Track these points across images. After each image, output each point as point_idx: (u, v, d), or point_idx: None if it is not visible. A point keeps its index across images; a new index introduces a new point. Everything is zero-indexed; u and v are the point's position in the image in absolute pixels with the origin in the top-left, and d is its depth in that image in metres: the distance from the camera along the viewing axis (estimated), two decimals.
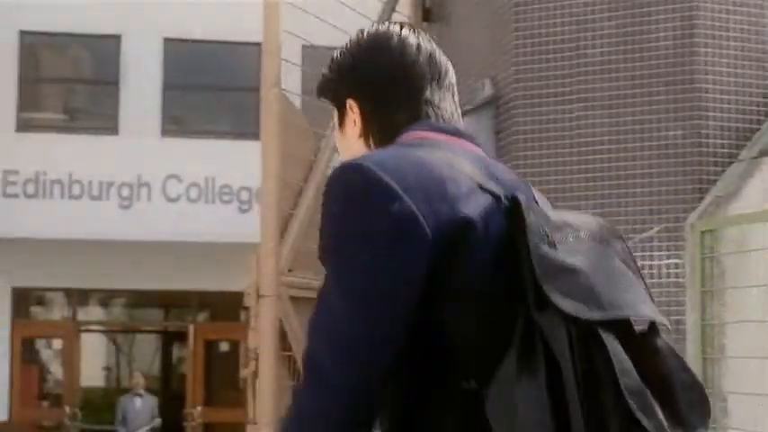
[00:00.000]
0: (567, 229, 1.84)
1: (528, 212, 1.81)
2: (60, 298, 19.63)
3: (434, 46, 2.14)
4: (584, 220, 1.89)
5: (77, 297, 18.95)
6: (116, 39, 18.71)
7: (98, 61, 19.35)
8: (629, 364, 1.72)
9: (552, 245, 1.79)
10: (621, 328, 1.77)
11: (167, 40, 18.72)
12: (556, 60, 5.44)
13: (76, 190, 16.99)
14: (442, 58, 2.13)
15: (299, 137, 4.25)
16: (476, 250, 1.82)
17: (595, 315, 1.74)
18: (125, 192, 17.01)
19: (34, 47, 19.11)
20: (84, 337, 19.72)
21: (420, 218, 1.79)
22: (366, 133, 2.11)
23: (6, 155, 17.08)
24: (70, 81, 19.84)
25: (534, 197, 1.99)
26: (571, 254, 1.80)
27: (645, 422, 1.70)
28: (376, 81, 2.11)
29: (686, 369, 1.82)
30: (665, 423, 1.72)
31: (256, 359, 4.10)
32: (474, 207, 1.84)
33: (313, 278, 4.32)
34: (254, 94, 18.75)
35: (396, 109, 2.08)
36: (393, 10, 4.97)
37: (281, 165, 4.09)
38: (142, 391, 17.04)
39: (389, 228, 1.78)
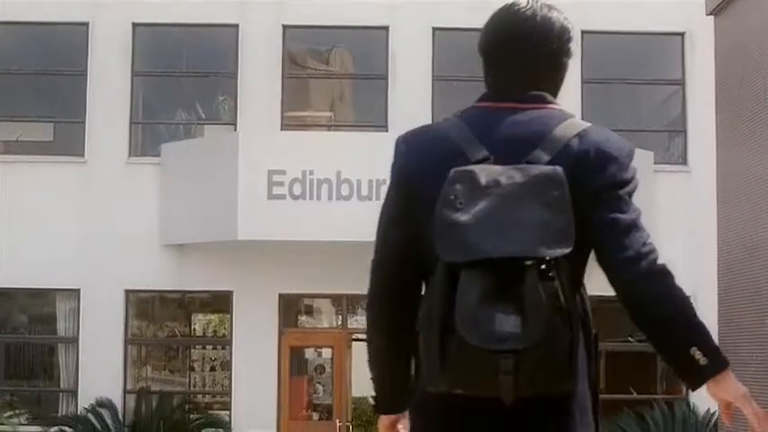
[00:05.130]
0: (489, 188, 2.63)
1: (453, 182, 2.64)
2: (329, 305, 18.77)
3: (517, 26, 2.87)
4: (515, 178, 2.64)
5: (348, 304, 18.00)
6: (384, 30, 17.78)
7: (365, 55, 18.46)
8: (472, 293, 2.54)
9: (454, 207, 2.61)
10: (495, 264, 2.56)
11: (436, 30, 17.68)
12: None
13: (345, 190, 15.95)
14: (520, 30, 2.86)
15: None
16: (437, 202, 2.66)
17: (456, 257, 2.58)
18: None
19: (297, 42, 18.35)
20: (355, 345, 18.77)
21: (407, 168, 2.83)
22: None
23: (272, 154, 16.22)
24: (336, 76, 19.05)
25: (528, 153, 2.73)
26: (468, 211, 2.60)
27: (464, 334, 2.53)
28: (480, 50, 2.95)
29: (536, 293, 2.53)
30: (502, 335, 2.51)
31: None
32: (442, 172, 2.68)
33: None
34: None
35: (486, 73, 2.93)
36: None
37: None
38: None
39: (395, 169, 2.87)
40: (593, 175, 2.71)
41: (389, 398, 2.97)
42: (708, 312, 16.89)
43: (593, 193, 2.69)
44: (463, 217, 2.59)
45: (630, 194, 2.75)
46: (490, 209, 2.60)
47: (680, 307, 2.67)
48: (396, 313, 2.86)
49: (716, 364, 2.63)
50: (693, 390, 2.71)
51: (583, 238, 2.64)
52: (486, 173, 2.65)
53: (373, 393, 3.02)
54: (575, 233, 2.60)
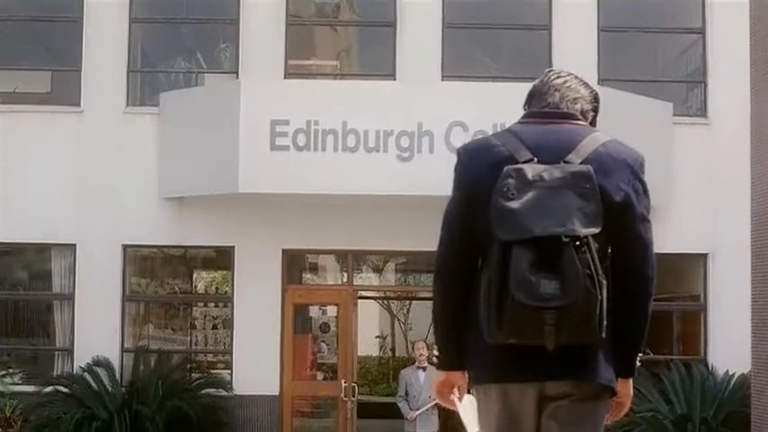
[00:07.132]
0: (535, 182, 3.47)
1: (506, 177, 3.49)
2: (334, 261, 18.17)
3: (554, 78, 3.87)
4: (555, 174, 3.50)
5: (353, 260, 17.38)
6: None
7: (372, 2, 17.77)
8: (523, 263, 3.35)
9: (507, 197, 3.45)
10: (540, 240, 3.38)
11: None
12: None
13: (351, 141, 15.28)
14: (556, 81, 3.84)
15: None
16: (491, 197, 3.51)
17: (510, 237, 3.40)
18: (404, 142, 15.15)
19: None
20: (360, 303, 18.22)
21: (466, 172, 3.72)
22: None
23: (275, 104, 15.53)
24: (342, 24, 18.37)
25: (566, 154, 3.62)
26: (518, 200, 3.43)
27: (517, 296, 3.34)
28: (527, 96, 3.90)
29: (572, 263, 3.36)
30: (546, 296, 3.33)
31: None
32: (494, 172, 3.55)
33: None
34: (530, 34, 17.16)
35: (528, 104, 3.86)
36: None
37: None
38: (426, 364, 15.09)
39: (457, 173, 3.76)
40: (613, 175, 3.59)
41: (455, 356, 3.75)
42: (728, 269, 16.32)
43: (622, 195, 3.60)
44: (515, 204, 3.43)
45: (647, 194, 3.68)
46: (536, 198, 3.44)
47: (647, 325, 3.72)
48: (458, 284, 3.68)
49: (639, 370, 3.79)
50: (618, 377, 3.69)
51: (608, 221, 3.49)
52: (532, 170, 3.51)
53: (437, 354, 3.84)
54: (601, 218, 3.45)
